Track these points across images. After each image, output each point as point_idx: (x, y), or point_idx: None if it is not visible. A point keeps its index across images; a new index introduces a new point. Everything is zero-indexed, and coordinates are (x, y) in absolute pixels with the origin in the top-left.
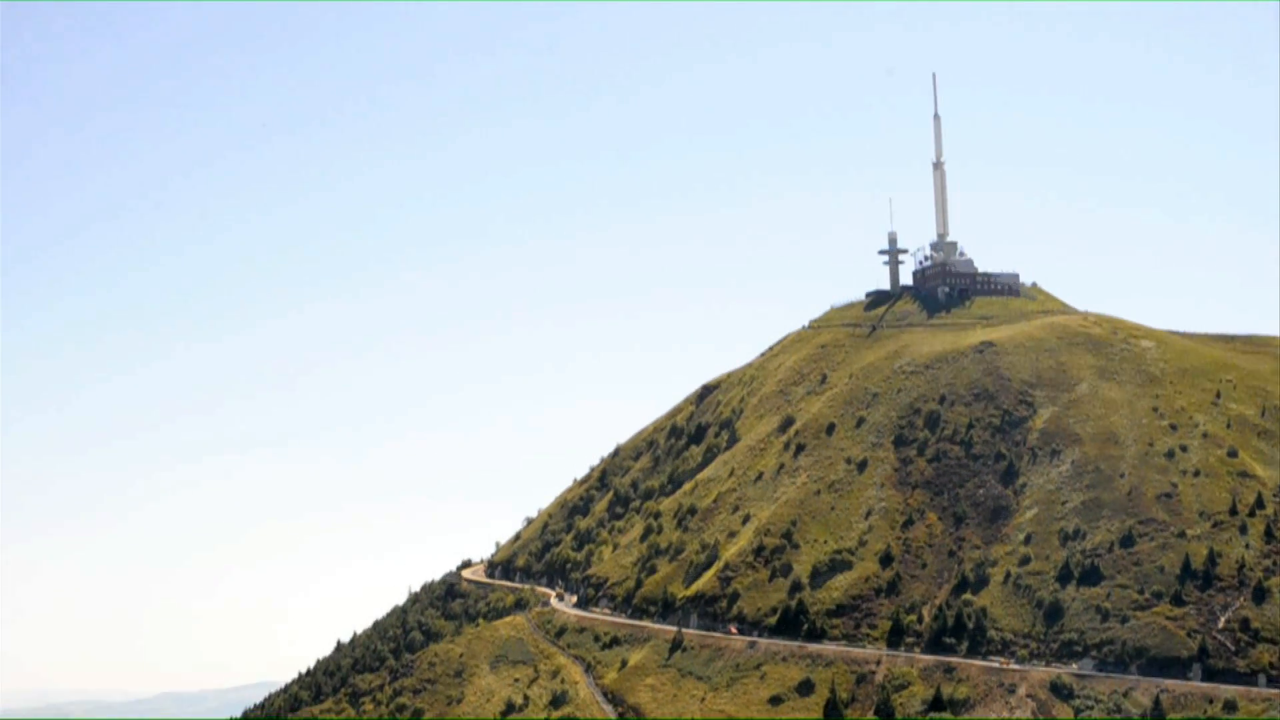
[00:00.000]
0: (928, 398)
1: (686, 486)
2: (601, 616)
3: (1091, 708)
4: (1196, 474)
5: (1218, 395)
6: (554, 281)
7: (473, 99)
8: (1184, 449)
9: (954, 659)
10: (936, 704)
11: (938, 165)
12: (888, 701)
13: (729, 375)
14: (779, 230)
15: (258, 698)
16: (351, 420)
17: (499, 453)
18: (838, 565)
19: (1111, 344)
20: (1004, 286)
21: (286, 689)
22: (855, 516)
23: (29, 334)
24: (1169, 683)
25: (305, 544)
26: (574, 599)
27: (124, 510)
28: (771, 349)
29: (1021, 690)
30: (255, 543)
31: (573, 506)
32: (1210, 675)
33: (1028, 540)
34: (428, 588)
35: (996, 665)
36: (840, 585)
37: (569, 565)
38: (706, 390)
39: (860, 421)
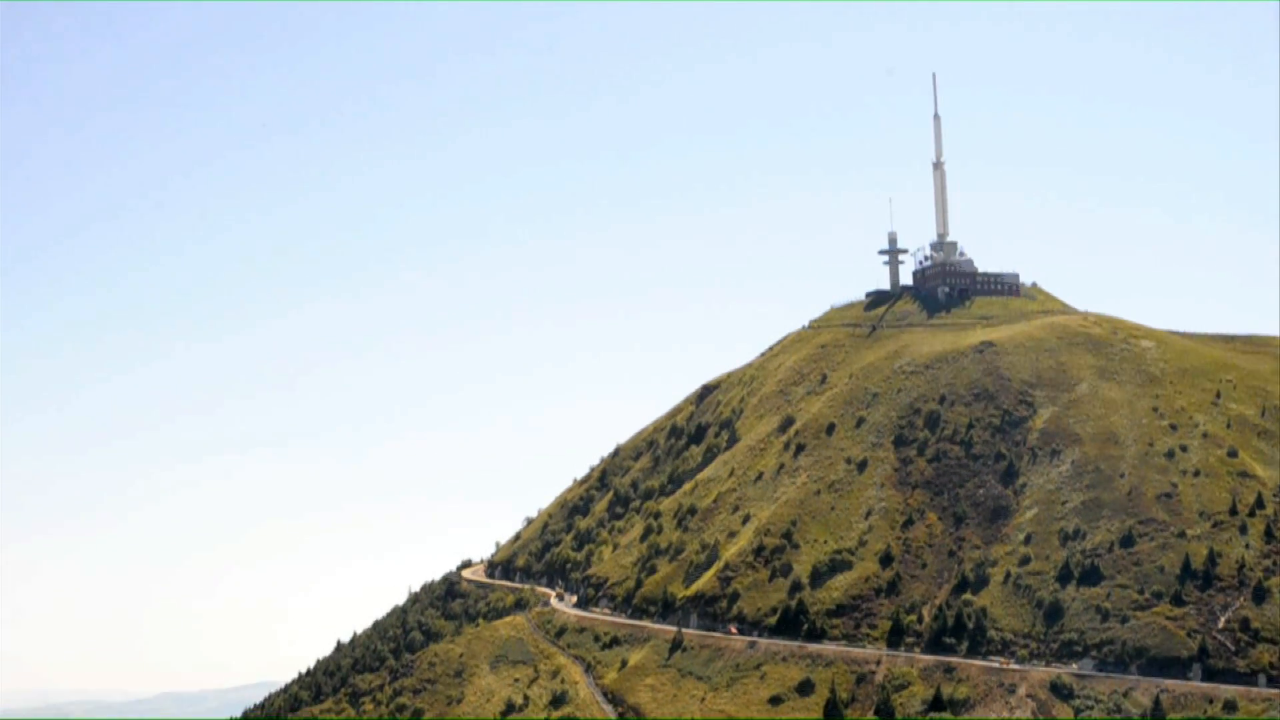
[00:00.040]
0: (928, 398)
1: (686, 486)
2: (601, 616)
3: (1091, 708)
4: (1196, 474)
5: (1218, 395)
6: (554, 281)
7: (473, 99)
8: (1184, 449)
9: (954, 659)
10: (936, 704)
11: (938, 165)
12: (888, 701)
13: (729, 375)
14: (779, 230)
15: (258, 698)
16: (351, 420)
17: (499, 453)
18: (838, 565)
19: (1111, 344)
20: (1004, 286)
21: (286, 689)
22: (855, 516)
23: (29, 334)
24: (1169, 683)
25: (305, 544)
26: (574, 599)
27: (124, 510)
28: (771, 349)
29: (1021, 690)
30: (255, 543)
31: (573, 506)
32: (1210, 675)
33: (1028, 540)
34: (428, 588)
35: (996, 665)
36: (840, 585)
37: (569, 565)
38: (706, 390)
39: (860, 421)
